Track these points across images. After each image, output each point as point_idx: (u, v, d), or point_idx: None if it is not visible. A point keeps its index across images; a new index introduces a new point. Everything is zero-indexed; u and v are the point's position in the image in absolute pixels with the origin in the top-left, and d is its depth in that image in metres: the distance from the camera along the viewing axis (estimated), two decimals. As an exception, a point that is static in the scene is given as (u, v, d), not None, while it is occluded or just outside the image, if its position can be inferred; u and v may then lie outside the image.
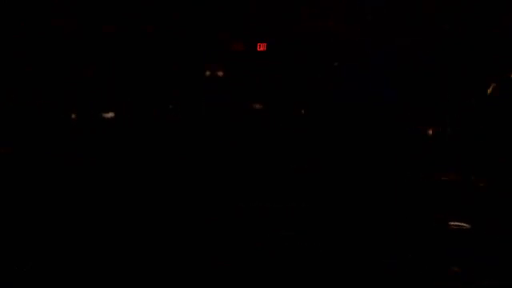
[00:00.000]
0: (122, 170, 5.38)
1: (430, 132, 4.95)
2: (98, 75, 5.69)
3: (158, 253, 4.41)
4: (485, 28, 4.54)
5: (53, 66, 5.66)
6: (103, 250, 4.37)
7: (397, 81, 2.50)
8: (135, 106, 5.61)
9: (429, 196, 4.57)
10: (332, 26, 5.14)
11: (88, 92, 5.69)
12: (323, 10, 5.20)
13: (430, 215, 4.49)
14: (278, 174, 4.97)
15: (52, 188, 5.18)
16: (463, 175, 4.88)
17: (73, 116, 5.64)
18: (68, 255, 4.27)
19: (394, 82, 2.52)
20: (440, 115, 5.00)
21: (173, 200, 5.11)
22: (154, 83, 5.63)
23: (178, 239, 4.63)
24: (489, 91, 4.79)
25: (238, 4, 5.55)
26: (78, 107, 5.66)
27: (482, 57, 4.82)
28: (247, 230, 4.73)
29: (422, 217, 4.19)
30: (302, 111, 5.11)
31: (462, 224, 4.54)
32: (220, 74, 5.68)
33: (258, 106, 5.51)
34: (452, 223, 4.53)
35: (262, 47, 5.56)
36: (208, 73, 5.66)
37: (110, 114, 5.63)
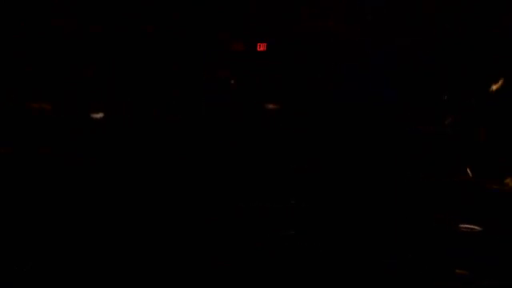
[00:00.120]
0: (122, 169, 5.38)
1: (430, 132, 4.95)
2: (98, 75, 5.69)
3: (158, 253, 4.41)
4: (485, 28, 4.54)
5: (53, 66, 5.66)
6: (103, 250, 4.37)
7: (397, 81, 2.50)
8: (135, 106, 5.61)
9: (429, 196, 4.57)
10: (332, 26, 5.14)
11: (88, 92, 5.68)
12: (323, 10, 5.20)
13: (430, 215, 4.49)
14: (278, 174, 4.96)
15: (52, 188, 5.17)
16: (463, 175, 4.88)
17: (72, 116, 5.64)
18: (68, 255, 4.27)
19: (394, 82, 2.52)
20: (440, 115, 5.00)
21: (173, 200, 5.11)
22: (153, 83, 5.63)
23: (178, 239, 4.63)
24: (494, 88, 4.79)
25: (237, 4, 5.55)
26: (77, 107, 5.66)
27: (482, 57, 4.82)
28: (247, 229, 4.73)
29: (422, 217, 4.19)
30: (302, 111, 5.10)
31: (473, 226, 4.53)
32: (220, 74, 5.67)
33: (257, 106, 5.51)
34: (462, 225, 4.52)
35: (261, 47, 5.56)
36: (208, 73, 5.66)
37: (110, 114, 5.62)
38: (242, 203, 4.97)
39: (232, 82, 5.63)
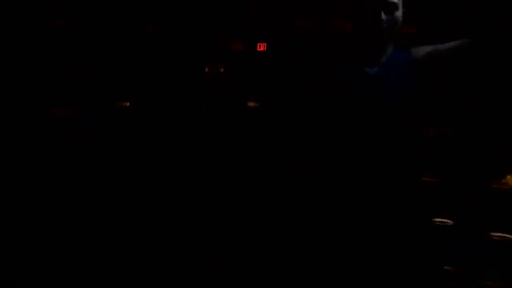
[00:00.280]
0: (122, 170, 5.38)
1: (431, 132, 4.95)
2: (97, 75, 5.69)
3: (158, 253, 4.41)
4: (485, 28, 4.53)
5: (53, 66, 5.66)
6: (103, 250, 4.37)
7: (397, 81, 2.50)
8: (135, 106, 5.61)
9: (429, 196, 4.57)
10: (332, 26, 5.14)
11: (88, 92, 5.68)
12: (323, 10, 5.20)
13: (430, 215, 4.49)
14: (278, 174, 4.96)
15: (52, 188, 5.17)
16: (463, 175, 4.87)
17: (72, 116, 5.64)
18: (68, 255, 4.27)
19: (394, 82, 2.52)
20: (440, 115, 5.00)
21: (173, 200, 5.11)
22: (153, 83, 5.63)
23: (178, 239, 4.63)
24: (494, 88, 4.78)
25: (237, 4, 5.55)
26: (77, 107, 5.66)
27: (482, 57, 4.81)
28: (247, 229, 4.73)
29: (421, 217, 4.19)
30: (302, 111, 5.11)
31: (446, 220, 4.54)
32: (220, 74, 5.67)
33: (257, 106, 5.51)
34: (462, 225, 4.52)
35: (262, 47, 5.56)
36: (208, 73, 5.66)
37: (110, 114, 5.62)
38: (242, 203, 4.98)
39: (232, 81, 5.63)
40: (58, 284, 3.87)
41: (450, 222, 4.60)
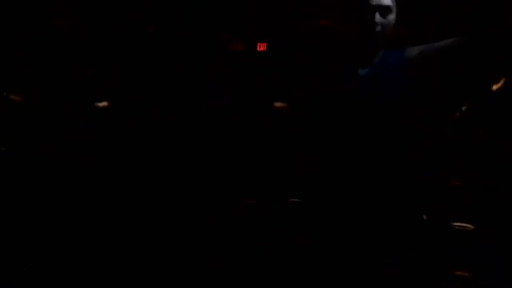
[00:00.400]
0: (122, 170, 5.38)
1: (430, 132, 4.95)
2: (97, 75, 5.69)
3: (158, 253, 4.41)
4: (485, 28, 4.53)
5: (53, 66, 5.66)
6: (103, 250, 4.37)
7: (397, 81, 2.51)
8: (135, 106, 5.61)
9: (429, 196, 4.57)
10: (332, 26, 5.14)
11: (88, 92, 5.68)
12: (323, 10, 5.20)
13: (430, 215, 4.49)
14: (278, 174, 4.97)
15: (52, 188, 5.17)
16: (463, 175, 4.87)
17: (72, 116, 5.64)
18: (68, 255, 4.27)
19: (386, 82, 2.53)
20: (440, 115, 5.00)
21: (173, 200, 5.11)
22: (153, 83, 5.63)
23: (178, 239, 4.63)
24: (494, 88, 4.79)
25: (237, 4, 5.55)
26: (77, 107, 5.66)
27: (482, 57, 4.82)
28: (247, 229, 4.73)
29: (421, 217, 4.19)
30: (302, 111, 5.11)
31: (466, 225, 4.54)
32: (220, 73, 5.67)
33: (257, 106, 5.51)
34: (455, 224, 4.53)
35: (262, 47, 5.56)
36: (208, 73, 5.66)
37: (110, 114, 5.62)
38: (242, 203, 4.98)
39: (232, 81, 5.63)
40: (58, 284, 3.87)
41: (446, 221, 4.60)
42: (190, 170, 5.36)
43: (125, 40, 5.65)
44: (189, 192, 5.20)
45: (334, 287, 2.54)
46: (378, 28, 2.51)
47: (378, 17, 2.51)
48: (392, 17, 2.56)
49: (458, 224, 4.56)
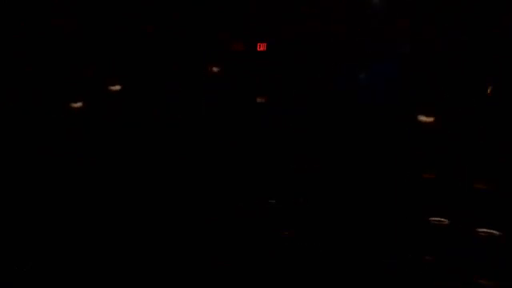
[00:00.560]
0: (122, 170, 5.38)
1: (430, 132, 4.95)
2: (97, 75, 5.69)
3: (158, 253, 4.41)
4: (485, 28, 4.54)
5: (53, 66, 5.66)
6: (103, 250, 4.37)
7: (397, 81, 2.50)
8: (135, 106, 5.61)
9: (429, 196, 4.57)
10: (332, 26, 5.14)
11: (88, 92, 5.68)
12: (323, 10, 5.20)
13: (429, 215, 4.49)
14: (278, 174, 4.96)
15: (52, 188, 5.17)
16: (463, 175, 4.87)
17: (73, 116, 5.64)
18: (68, 255, 4.27)
19: (394, 82, 2.53)
20: (440, 115, 4.99)
21: (173, 200, 5.10)
22: (153, 83, 5.63)
23: (178, 239, 4.63)
24: (489, 91, 4.79)
25: (237, 4, 5.55)
26: (77, 107, 5.65)
27: (482, 57, 4.81)
28: (247, 230, 4.73)
29: (421, 217, 4.19)
30: (302, 111, 5.10)
31: (441, 219, 4.54)
32: (220, 73, 5.67)
33: (257, 106, 5.51)
34: (461, 225, 4.52)
35: (262, 47, 5.56)
36: (208, 73, 5.66)
37: (110, 114, 5.62)
38: (242, 203, 4.97)
39: (232, 81, 5.63)
40: (58, 284, 3.86)
41: (446, 221, 4.60)
42: (190, 169, 5.36)
43: (125, 40, 5.65)
44: (189, 192, 5.19)
45: (333, 287, 2.54)
46: (374, 32, 2.53)
47: (373, 21, 2.53)
48: (387, 21, 2.58)
49: (436, 219, 4.56)
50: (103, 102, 5.66)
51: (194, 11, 5.58)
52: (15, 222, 4.64)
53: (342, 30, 5.06)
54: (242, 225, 4.70)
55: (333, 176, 2.56)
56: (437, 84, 4.78)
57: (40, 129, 5.58)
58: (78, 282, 3.88)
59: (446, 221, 4.64)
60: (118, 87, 5.67)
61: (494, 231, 4.52)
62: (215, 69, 5.66)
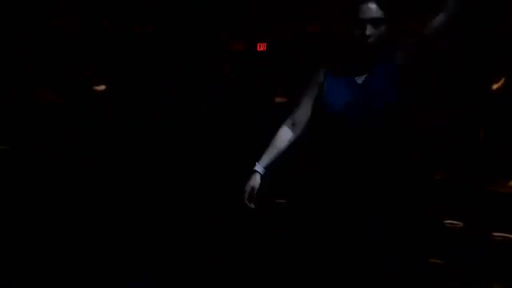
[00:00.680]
0: (122, 170, 5.38)
1: (430, 132, 4.95)
2: (97, 75, 5.69)
3: (158, 253, 4.41)
4: (485, 28, 4.54)
5: (53, 66, 5.67)
6: (103, 250, 4.37)
7: (397, 81, 2.51)
8: (135, 106, 5.61)
9: (429, 196, 4.57)
10: (332, 26, 5.14)
11: (88, 92, 5.69)
12: (323, 10, 5.20)
13: (429, 215, 4.49)
14: (278, 174, 4.96)
15: (52, 188, 5.17)
16: (463, 175, 4.88)
17: (73, 116, 5.64)
18: (68, 255, 4.27)
19: (394, 82, 2.53)
20: (440, 115, 5.00)
21: (173, 200, 5.11)
22: (153, 83, 5.63)
23: (178, 239, 4.63)
24: (495, 88, 4.79)
25: (237, 4, 5.55)
26: (77, 107, 5.66)
27: (482, 57, 4.82)
28: (247, 230, 4.73)
29: (421, 217, 4.19)
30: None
31: (456, 222, 4.55)
32: (220, 73, 5.68)
33: (258, 106, 5.52)
34: (447, 221, 4.53)
35: (262, 47, 5.56)
36: (208, 73, 5.66)
37: (110, 114, 5.63)
38: (242, 203, 4.97)
39: (232, 81, 5.63)
40: (58, 284, 3.87)
41: (458, 223, 4.60)
42: (190, 169, 5.36)
43: (125, 40, 5.66)
44: (189, 192, 5.20)
45: (334, 287, 2.54)
46: (371, 39, 2.54)
47: (369, 29, 2.54)
48: (384, 27, 2.58)
49: (449, 221, 4.57)
50: (103, 102, 5.66)
51: (194, 11, 5.58)
52: (15, 222, 4.65)
53: (342, 30, 5.07)
54: (242, 225, 4.71)
55: (333, 176, 2.56)
56: (437, 84, 4.79)
57: (40, 129, 5.58)
58: (77, 281, 3.88)
59: (445, 221, 4.64)
60: (118, 87, 5.67)
61: (494, 231, 4.53)
62: (215, 69, 5.66)
